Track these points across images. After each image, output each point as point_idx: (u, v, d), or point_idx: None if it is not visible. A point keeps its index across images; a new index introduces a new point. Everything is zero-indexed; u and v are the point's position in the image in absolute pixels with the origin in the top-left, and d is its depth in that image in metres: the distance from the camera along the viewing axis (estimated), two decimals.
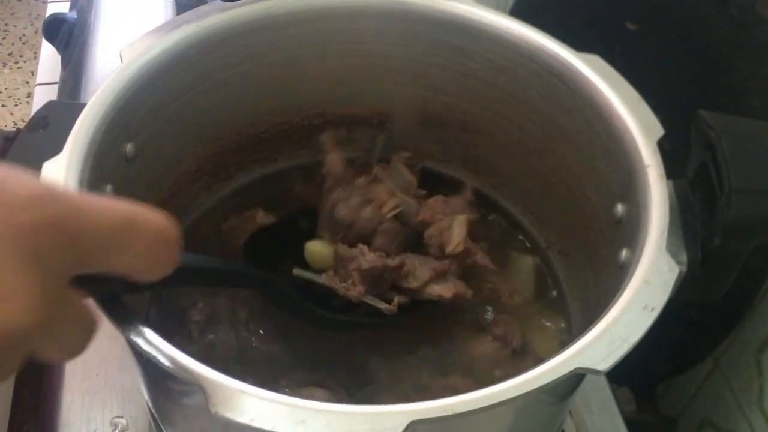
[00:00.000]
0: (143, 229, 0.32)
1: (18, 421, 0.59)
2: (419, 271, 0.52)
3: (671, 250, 0.40)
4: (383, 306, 0.51)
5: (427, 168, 0.62)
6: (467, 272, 0.54)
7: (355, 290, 0.51)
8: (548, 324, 0.55)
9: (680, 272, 0.40)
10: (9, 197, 0.27)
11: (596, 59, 0.50)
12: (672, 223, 0.42)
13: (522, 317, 0.55)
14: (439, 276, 0.52)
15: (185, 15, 0.53)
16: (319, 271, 0.54)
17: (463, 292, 0.52)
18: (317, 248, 0.55)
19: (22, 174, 0.28)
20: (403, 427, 0.32)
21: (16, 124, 1.98)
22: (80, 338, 0.31)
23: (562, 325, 0.55)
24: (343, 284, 0.51)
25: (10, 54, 2.19)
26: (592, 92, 0.49)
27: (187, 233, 0.57)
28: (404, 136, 0.63)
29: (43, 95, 0.97)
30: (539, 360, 0.37)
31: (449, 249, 0.52)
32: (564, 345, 0.39)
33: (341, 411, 0.33)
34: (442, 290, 0.51)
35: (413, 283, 0.52)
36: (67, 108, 0.47)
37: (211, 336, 0.53)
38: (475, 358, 0.53)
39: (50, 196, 0.28)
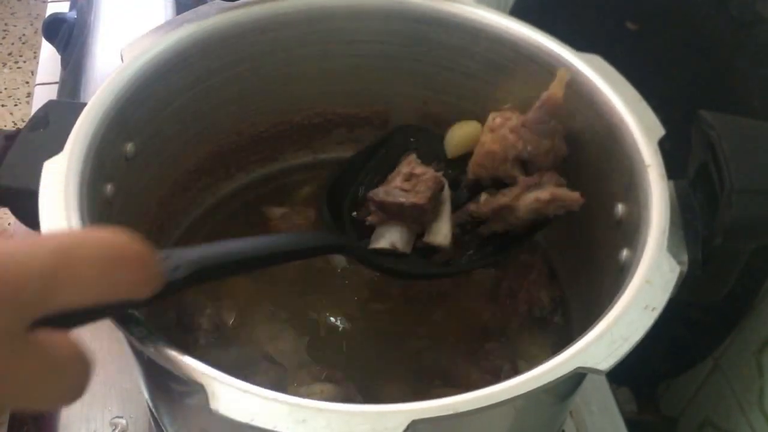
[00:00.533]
0: (85, 255, 0.29)
1: (18, 421, 0.59)
2: (510, 191, 0.50)
3: (672, 250, 0.40)
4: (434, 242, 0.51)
5: None
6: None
7: (372, 217, 0.51)
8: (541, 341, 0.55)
9: (681, 272, 0.39)
10: None
11: (597, 59, 0.50)
12: (673, 223, 0.42)
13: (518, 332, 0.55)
14: (531, 187, 0.50)
15: (185, 15, 0.52)
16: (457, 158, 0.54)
17: (563, 195, 0.48)
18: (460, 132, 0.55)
19: None
20: (404, 426, 0.32)
21: (15, 124, 1.98)
22: (66, 382, 0.29)
23: (560, 325, 0.55)
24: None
25: (9, 54, 2.18)
26: (593, 92, 0.49)
27: (186, 233, 0.58)
28: None
29: (43, 95, 0.97)
30: None
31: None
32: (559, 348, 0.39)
33: (342, 410, 0.33)
34: (539, 193, 0.49)
35: (505, 198, 0.50)
36: (68, 107, 0.47)
37: (217, 340, 0.52)
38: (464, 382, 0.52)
39: None
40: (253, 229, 0.60)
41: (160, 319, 0.52)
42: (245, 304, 0.55)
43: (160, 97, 0.51)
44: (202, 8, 0.53)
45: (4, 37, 2.24)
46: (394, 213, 0.51)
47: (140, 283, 0.31)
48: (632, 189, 0.45)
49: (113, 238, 0.30)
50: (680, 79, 0.65)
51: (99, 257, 0.29)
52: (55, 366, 0.29)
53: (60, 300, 0.28)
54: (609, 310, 0.38)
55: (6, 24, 2.28)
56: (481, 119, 0.58)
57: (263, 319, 0.54)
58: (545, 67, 0.52)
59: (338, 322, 0.54)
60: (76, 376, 0.30)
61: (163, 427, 0.48)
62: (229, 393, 0.33)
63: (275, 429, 0.32)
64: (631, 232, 0.44)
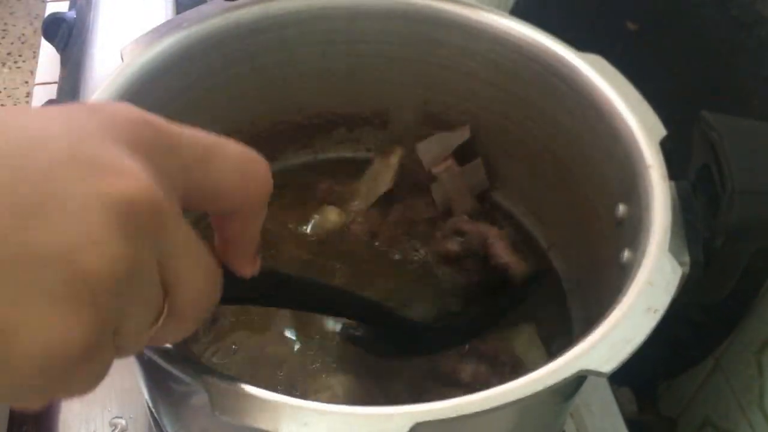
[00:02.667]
0: (229, 148, 0.31)
1: (18, 421, 0.59)
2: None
3: (673, 251, 0.40)
4: None
5: None
6: None
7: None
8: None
9: (683, 273, 0.39)
10: (101, 106, 0.27)
11: (597, 59, 0.50)
12: (674, 224, 0.41)
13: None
14: None
15: (185, 14, 0.52)
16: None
17: None
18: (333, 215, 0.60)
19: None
20: (407, 429, 0.32)
21: None
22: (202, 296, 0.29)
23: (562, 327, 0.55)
24: None
25: (9, 54, 2.18)
26: (594, 92, 0.49)
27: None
28: (404, 135, 0.63)
29: (43, 95, 0.96)
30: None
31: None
32: (560, 349, 0.38)
33: (344, 412, 0.33)
34: None
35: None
36: None
37: (217, 334, 0.52)
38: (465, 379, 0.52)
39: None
40: None
41: None
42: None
43: (160, 97, 0.51)
44: (202, 8, 0.53)
45: (3, 37, 2.23)
46: None
47: (262, 186, 0.32)
48: (633, 190, 0.45)
49: (250, 151, 0.31)
50: (680, 79, 0.65)
51: (240, 153, 0.31)
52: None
53: (208, 179, 0.30)
54: (610, 312, 0.37)
55: (5, 24, 2.27)
56: (481, 119, 0.58)
57: (262, 313, 0.54)
58: (546, 67, 0.52)
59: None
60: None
61: (162, 428, 0.48)
62: (230, 394, 0.33)
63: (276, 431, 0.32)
64: (632, 233, 0.44)
